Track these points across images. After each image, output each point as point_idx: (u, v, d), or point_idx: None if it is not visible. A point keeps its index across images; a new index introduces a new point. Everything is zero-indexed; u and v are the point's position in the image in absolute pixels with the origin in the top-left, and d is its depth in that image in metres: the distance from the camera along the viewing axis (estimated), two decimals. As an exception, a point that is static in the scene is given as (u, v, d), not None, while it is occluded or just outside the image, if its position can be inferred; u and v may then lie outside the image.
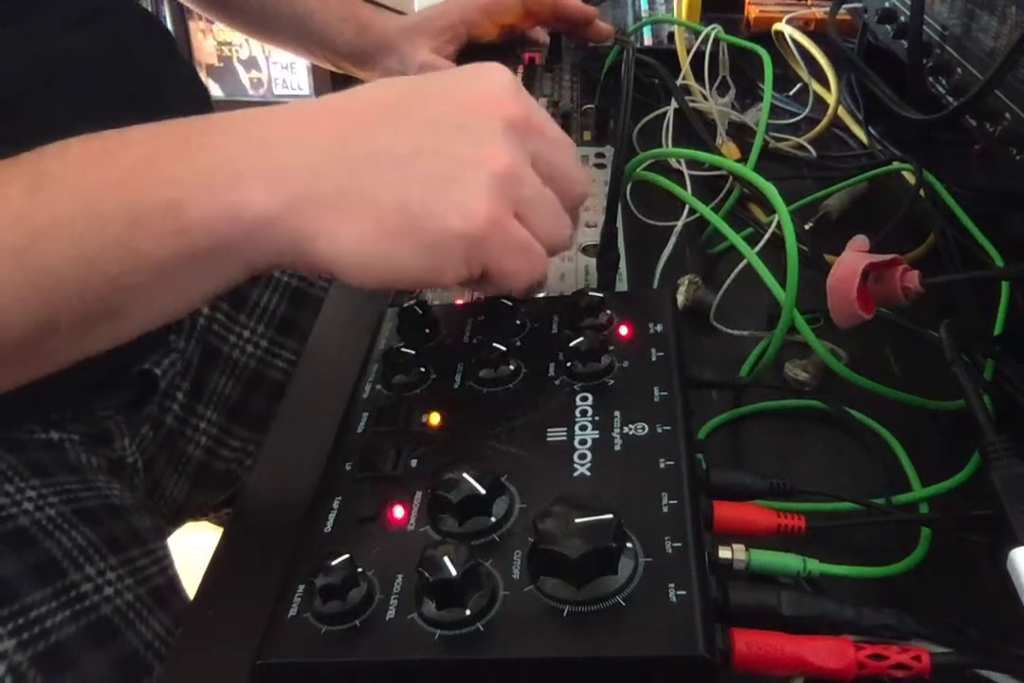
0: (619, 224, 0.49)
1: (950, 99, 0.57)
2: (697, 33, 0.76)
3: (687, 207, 0.53)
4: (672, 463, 0.32)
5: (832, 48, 0.76)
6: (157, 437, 0.64)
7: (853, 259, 0.44)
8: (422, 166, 0.35)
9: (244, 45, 2.02)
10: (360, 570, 0.29)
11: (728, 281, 0.50)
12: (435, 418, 0.36)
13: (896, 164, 0.64)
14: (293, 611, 0.29)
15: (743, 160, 0.67)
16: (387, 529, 0.31)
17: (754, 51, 0.70)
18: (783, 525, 0.33)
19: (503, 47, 0.81)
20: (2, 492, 0.51)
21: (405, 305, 0.42)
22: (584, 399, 0.35)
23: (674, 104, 0.69)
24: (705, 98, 0.74)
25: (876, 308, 0.44)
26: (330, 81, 1.90)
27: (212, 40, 2.02)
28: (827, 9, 0.80)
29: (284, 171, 0.34)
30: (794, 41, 0.80)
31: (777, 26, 0.83)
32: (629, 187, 0.61)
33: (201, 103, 0.68)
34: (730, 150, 0.71)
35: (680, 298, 0.55)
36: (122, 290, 0.34)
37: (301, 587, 0.29)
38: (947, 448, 0.45)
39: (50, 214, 0.33)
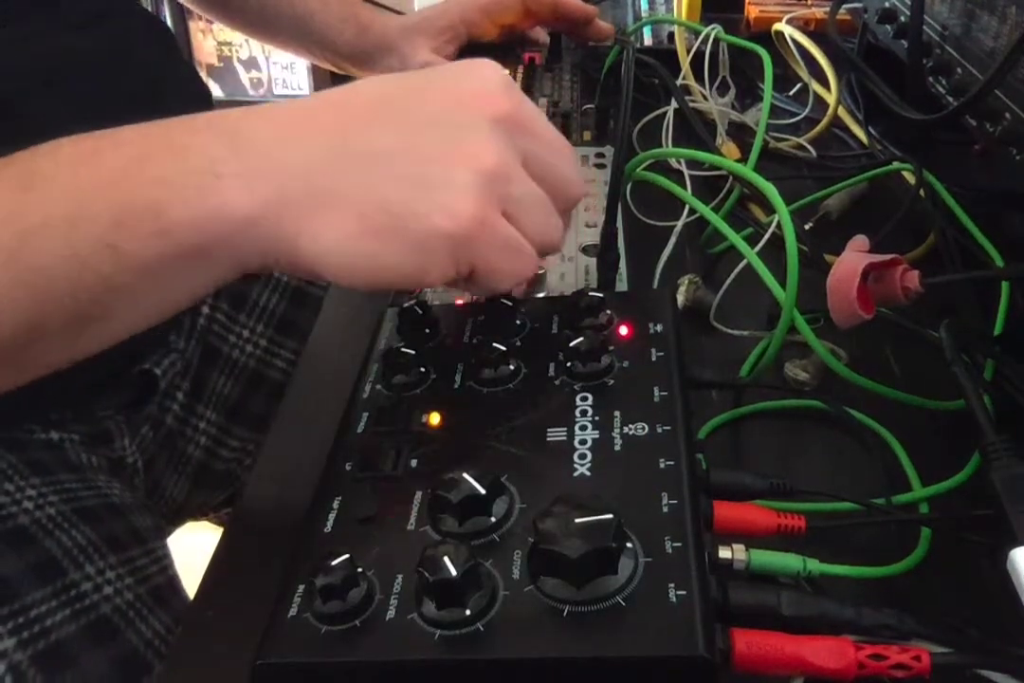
0: (619, 224, 0.49)
1: (950, 99, 0.57)
2: (697, 33, 0.76)
3: (687, 207, 0.53)
4: (672, 463, 0.32)
5: (832, 48, 0.76)
6: (157, 437, 0.64)
7: (853, 259, 0.44)
8: (406, 164, 0.35)
9: (244, 45, 2.02)
10: (360, 570, 0.29)
11: (728, 281, 0.50)
12: (435, 418, 0.36)
13: (896, 164, 0.64)
14: (293, 611, 0.29)
15: (743, 160, 0.67)
16: (387, 529, 0.31)
17: (754, 51, 0.70)
18: (783, 525, 0.33)
19: (503, 47, 0.81)
20: (2, 491, 0.51)
21: (405, 305, 0.42)
22: (584, 399, 0.35)
23: (674, 104, 0.69)
24: (705, 98, 0.74)
25: (876, 308, 0.44)
26: (330, 81, 1.89)
27: (212, 40, 2.02)
28: (827, 9, 0.80)
29: (266, 171, 0.34)
30: (794, 41, 0.80)
31: (777, 26, 0.83)
32: (629, 187, 0.61)
33: (202, 103, 0.68)
34: (730, 150, 0.71)
35: (680, 298, 0.55)
36: (114, 290, 0.34)
37: (301, 587, 0.29)
38: (947, 448, 0.45)
39: (42, 213, 0.33)
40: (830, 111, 0.75)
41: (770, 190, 0.45)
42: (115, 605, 0.52)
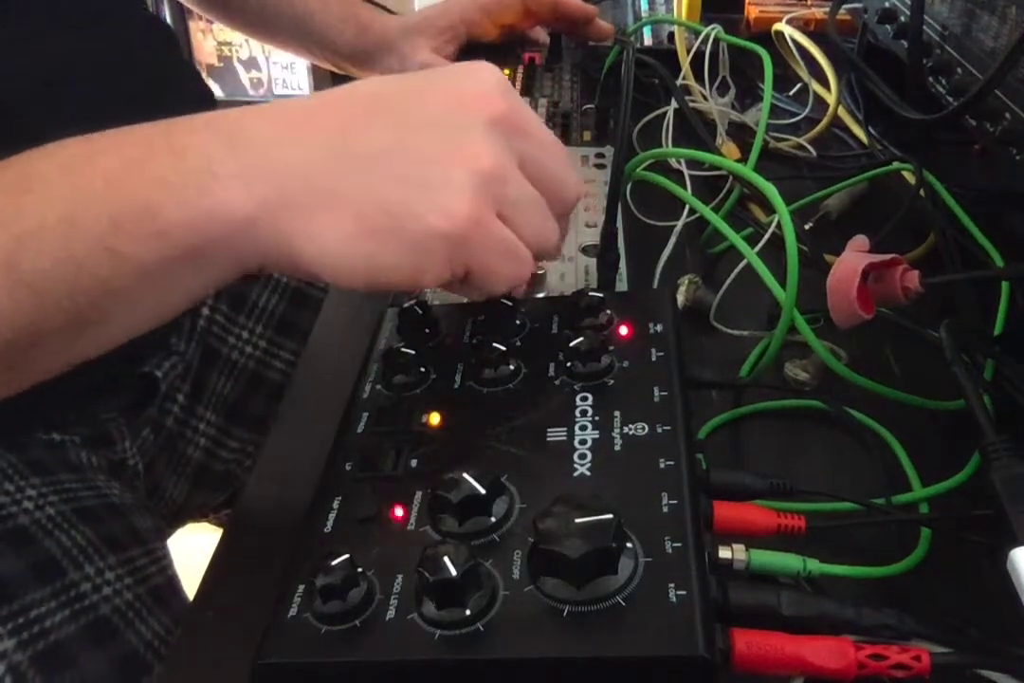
0: (619, 224, 0.49)
1: (950, 99, 0.57)
2: (697, 33, 0.76)
3: (687, 207, 0.53)
4: (672, 463, 0.32)
5: (832, 48, 0.76)
6: (158, 439, 0.64)
7: (853, 259, 0.44)
8: (404, 164, 0.35)
9: (244, 45, 2.02)
10: (360, 570, 0.29)
11: (728, 281, 0.50)
12: (435, 418, 0.36)
13: (896, 164, 0.64)
14: (293, 611, 0.29)
15: (743, 160, 0.67)
16: (387, 529, 0.31)
17: (754, 51, 0.70)
18: (783, 525, 0.33)
19: (503, 47, 0.81)
20: (2, 491, 0.51)
21: (405, 305, 0.42)
22: (584, 399, 0.35)
23: (674, 104, 0.69)
24: (705, 98, 0.74)
25: (876, 308, 0.44)
26: (330, 81, 1.90)
27: (212, 40, 2.03)
28: (827, 9, 0.80)
29: (265, 171, 0.34)
30: (794, 41, 0.81)
31: (777, 26, 0.83)
32: (629, 187, 0.61)
33: (205, 103, 0.68)
34: (730, 150, 0.71)
35: (680, 298, 0.55)
36: (112, 293, 0.33)
37: (301, 587, 0.29)
38: (947, 448, 0.45)
39: (39, 216, 0.33)
40: (830, 111, 0.75)
41: (770, 190, 0.45)
42: (114, 606, 0.52)
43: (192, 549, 0.72)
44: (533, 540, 0.28)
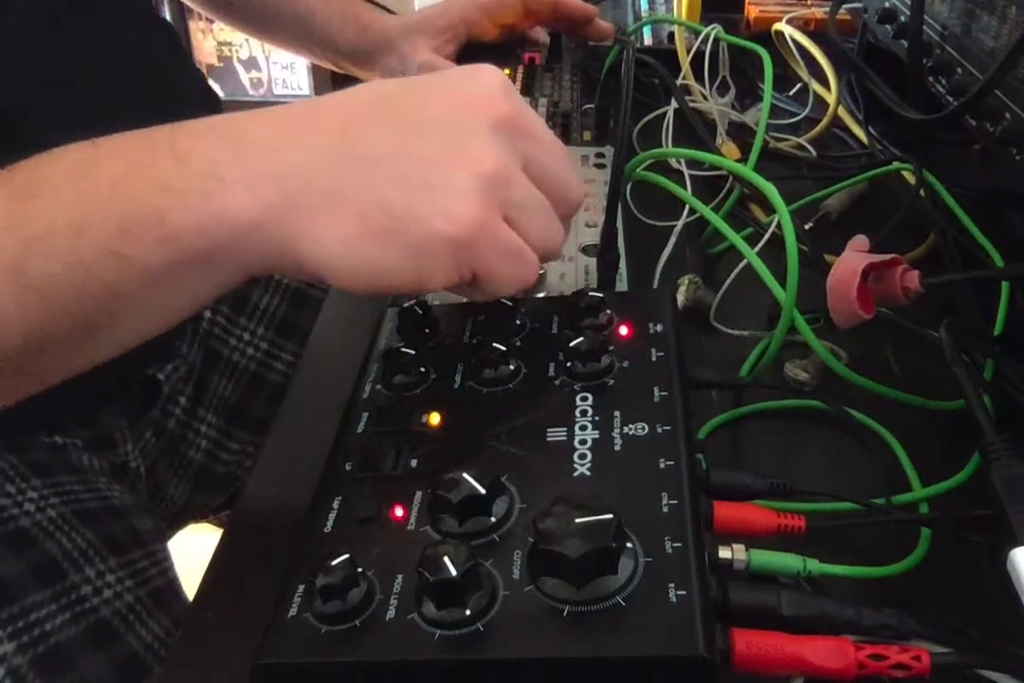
0: (619, 224, 0.49)
1: (950, 99, 0.57)
2: (697, 33, 0.76)
3: (687, 207, 0.53)
4: (672, 463, 0.32)
5: (832, 48, 0.76)
6: (160, 442, 0.64)
7: (853, 259, 0.44)
8: (407, 167, 0.35)
9: (244, 45, 2.02)
10: (360, 570, 0.29)
11: (728, 281, 0.50)
12: (435, 418, 0.36)
13: (896, 164, 0.64)
14: (293, 611, 0.29)
15: (743, 160, 0.67)
16: (387, 529, 0.31)
17: (754, 51, 0.70)
18: (783, 525, 0.33)
19: (503, 47, 0.81)
20: (3, 493, 0.51)
21: (405, 305, 0.42)
22: (584, 399, 0.35)
23: (674, 104, 0.69)
24: (705, 98, 0.74)
25: (876, 308, 0.44)
26: (330, 81, 1.90)
27: (212, 40, 2.03)
28: (827, 9, 0.80)
29: (268, 174, 0.34)
30: (794, 41, 0.81)
31: (777, 26, 0.83)
32: (629, 187, 0.61)
33: (211, 106, 0.68)
34: (730, 150, 0.71)
35: (680, 298, 0.55)
36: (119, 297, 0.34)
37: (301, 587, 0.29)
38: (947, 448, 0.45)
39: (47, 221, 0.33)
40: (830, 111, 0.75)
41: (770, 190, 0.45)
42: (115, 608, 0.52)
43: (192, 549, 0.72)
44: (533, 540, 0.28)
